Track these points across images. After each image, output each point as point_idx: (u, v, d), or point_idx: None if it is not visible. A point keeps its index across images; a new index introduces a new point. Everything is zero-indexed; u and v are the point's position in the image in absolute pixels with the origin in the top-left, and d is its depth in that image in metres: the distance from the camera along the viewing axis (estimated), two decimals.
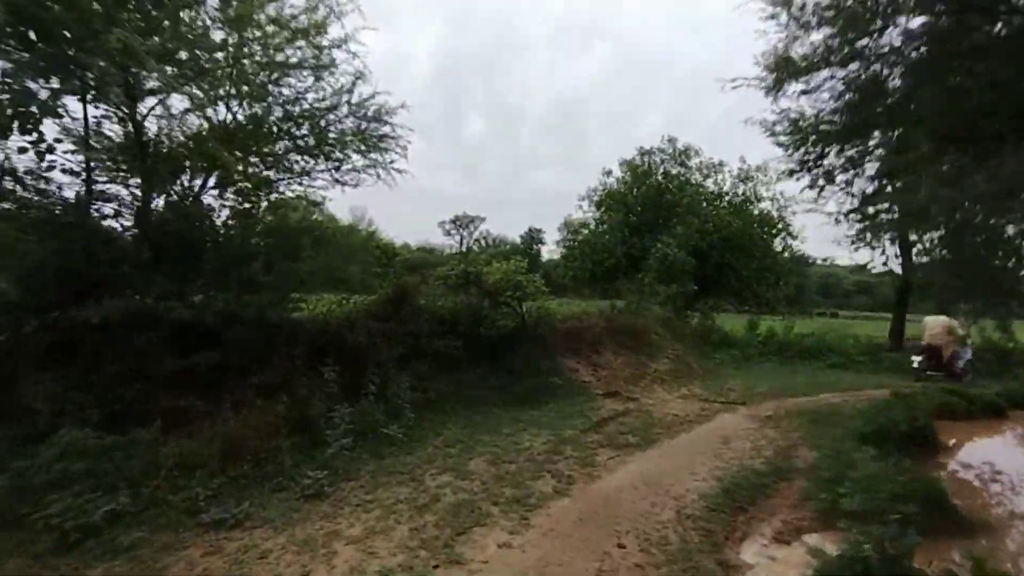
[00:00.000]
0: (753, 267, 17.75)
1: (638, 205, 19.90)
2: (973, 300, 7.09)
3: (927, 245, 9.29)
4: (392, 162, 7.71)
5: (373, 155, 7.41)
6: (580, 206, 22.01)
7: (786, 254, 19.65)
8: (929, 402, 8.70)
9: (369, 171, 7.54)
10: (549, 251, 47.43)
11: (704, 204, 19.07)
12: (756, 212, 19.40)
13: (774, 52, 7.75)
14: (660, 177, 20.18)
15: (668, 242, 16.67)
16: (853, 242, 18.17)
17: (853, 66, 7.26)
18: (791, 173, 9.38)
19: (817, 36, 8.70)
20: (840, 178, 11.84)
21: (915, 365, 11.80)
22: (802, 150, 8.83)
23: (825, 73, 7.45)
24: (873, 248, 17.42)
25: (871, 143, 8.24)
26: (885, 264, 16.83)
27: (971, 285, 6.57)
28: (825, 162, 8.96)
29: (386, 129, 7.39)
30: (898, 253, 16.47)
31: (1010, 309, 6.90)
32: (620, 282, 19.08)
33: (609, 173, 21.76)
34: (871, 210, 15.73)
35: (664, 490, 4.76)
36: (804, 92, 8.06)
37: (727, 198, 20.05)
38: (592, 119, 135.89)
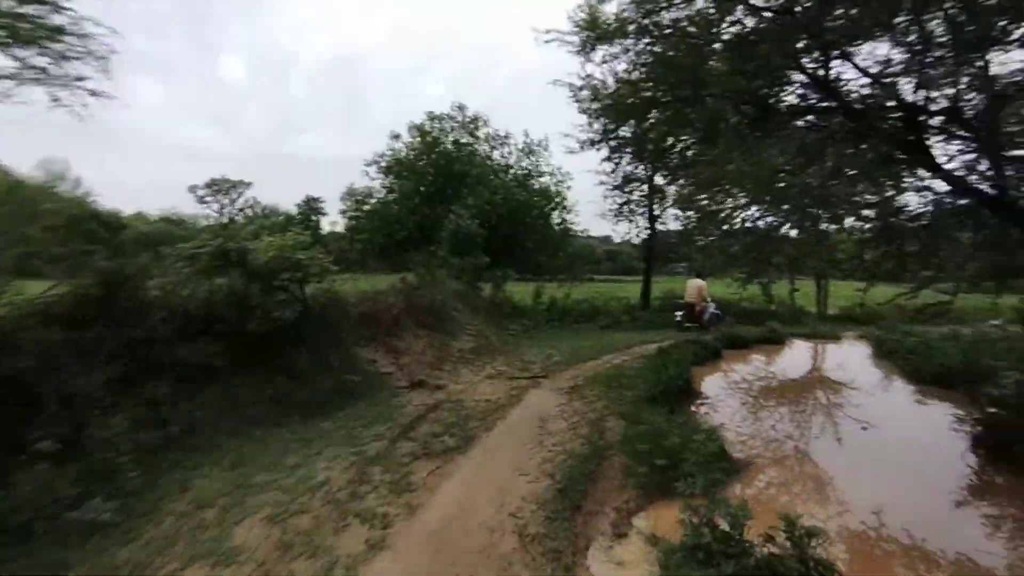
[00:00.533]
0: (536, 238, 18.74)
1: (429, 174, 18.98)
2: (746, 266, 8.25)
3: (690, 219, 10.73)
4: (82, 80, 5.03)
5: (37, 56, 4.64)
6: (366, 172, 19.98)
7: (561, 226, 21.33)
8: (684, 355, 10.21)
9: (27, 78, 4.72)
10: (331, 222, 43.00)
11: (492, 176, 19.21)
12: (537, 186, 20.45)
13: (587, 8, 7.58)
14: (450, 145, 19.56)
15: (461, 213, 16.26)
16: (615, 216, 21.03)
17: (646, 40, 7.58)
18: (592, 143, 9.54)
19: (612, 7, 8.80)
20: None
21: (677, 319, 13.96)
22: (602, 120, 9.05)
23: (627, 43, 7.52)
24: (629, 221, 20.31)
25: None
26: (638, 235, 19.70)
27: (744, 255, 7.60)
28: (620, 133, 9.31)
29: (62, 20, 4.69)
30: (647, 226, 19.41)
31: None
32: (412, 255, 18.05)
33: (397, 137, 20.20)
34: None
35: (498, 505, 4.07)
36: (604, 61, 8.13)
37: (512, 171, 20.64)
38: (373, 79, 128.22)
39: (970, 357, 8.89)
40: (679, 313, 13.95)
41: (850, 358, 11.86)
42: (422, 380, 7.85)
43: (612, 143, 11.43)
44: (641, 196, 19.53)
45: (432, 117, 19.47)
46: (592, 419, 6.24)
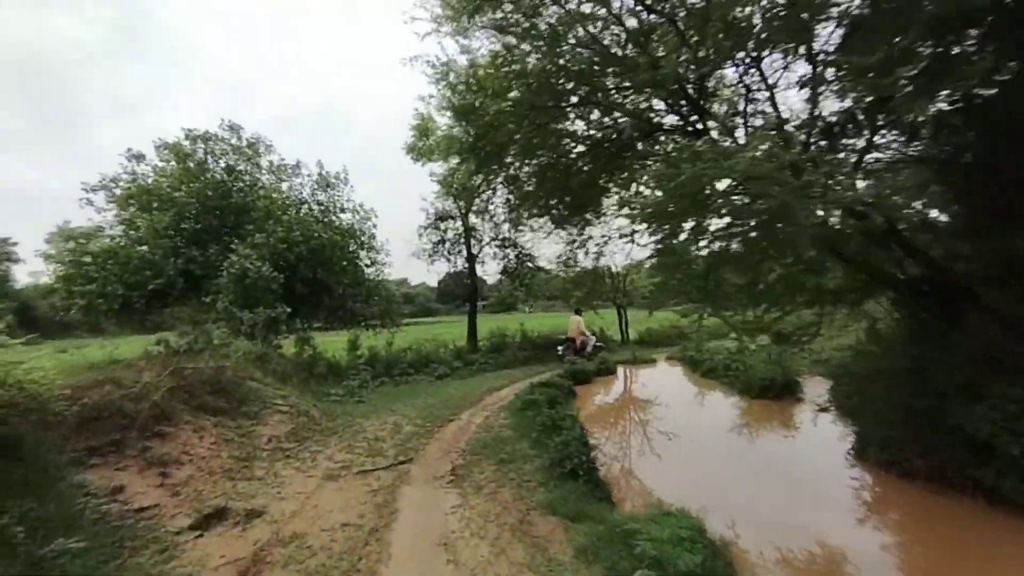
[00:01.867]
0: (345, 282, 15.86)
1: (193, 206, 14.46)
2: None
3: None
4: None
5: None
6: (88, 201, 14.20)
7: (372, 267, 18.78)
8: (548, 398, 9.07)
9: None
10: (31, 273, 30.74)
11: (284, 211, 15.72)
12: (339, 223, 17.61)
13: None
14: (224, 172, 15.40)
15: (247, 253, 12.53)
16: (430, 255, 19.47)
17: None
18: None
19: None
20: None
21: (560, 352, 14.72)
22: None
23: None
24: (448, 260, 18.99)
25: None
26: (461, 273, 18.45)
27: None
28: None
29: None
30: (466, 264, 18.36)
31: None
32: (177, 309, 13.34)
33: (139, 159, 15.02)
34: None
35: None
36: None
37: (307, 206, 17.40)
38: (89, 96, 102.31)
39: (779, 370, 9.90)
40: (561, 347, 14.84)
41: (681, 380, 12.46)
42: (221, 508, 4.72)
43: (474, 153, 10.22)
44: (456, 235, 18.54)
45: (193, 137, 15.09)
46: (514, 524, 4.31)
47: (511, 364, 15.63)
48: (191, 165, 14.86)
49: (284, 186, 17.61)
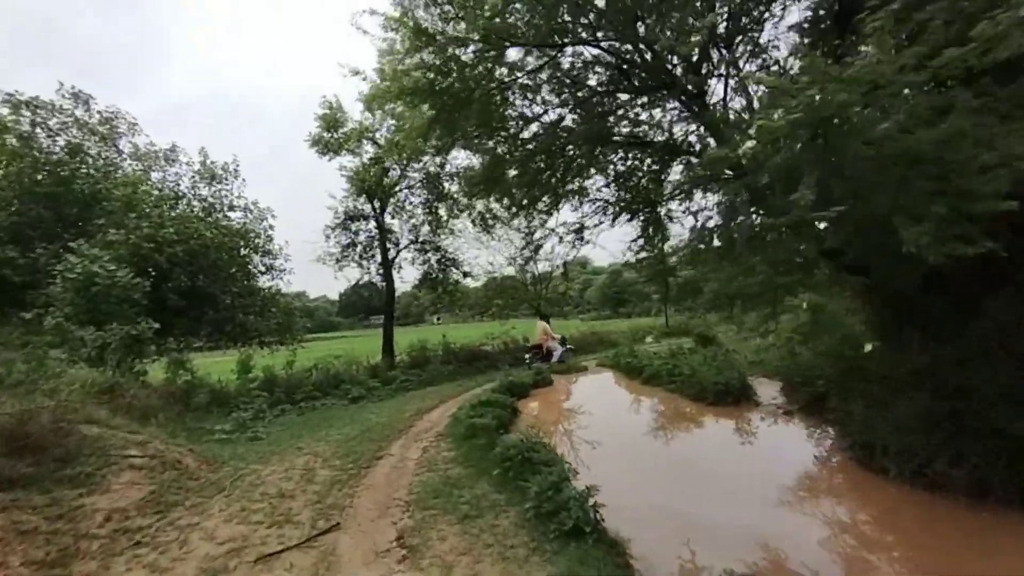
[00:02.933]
0: (235, 291, 13.09)
1: (12, 192, 10.98)
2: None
3: None
4: None
5: None
6: None
7: (267, 275, 15.93)
8: (499, 418, 7.67)
9: None
10: None
11: (153, 204, 12.61)
12: (227, 223, 14.68)
13: None
14: (65, 152, 11.97)
15: (95, 255, 9.55)
16: (339, 260, 17.04)
17: None
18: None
19: None
20: None
21: (527, 360, 14.64)
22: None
23: None
24: (360, 266, 16.72)
25: None
26: (371, 281, 16.31)
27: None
28: None
29: None
30: (379, 270, 16.30)
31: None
32: None
33: None
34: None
35: None
36: None
37: (186, 201, 14.30)
38: None
39: (733, 374, 9.38)
40: (528, 355, 14.87)
41: (624, 389, 11.60)
42: None
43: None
44: (368, 237, 16.44)
45: (15, 102, 11.52)
46: None
47: (436, 380, 13.86)
48: (11, 140, 11.31)
49: (155, 176, 14.38)
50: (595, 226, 9.08)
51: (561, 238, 9.51)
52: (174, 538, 4.21)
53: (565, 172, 8.58)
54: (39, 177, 11.40)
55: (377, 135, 16.03)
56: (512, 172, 8.61)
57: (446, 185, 16.41)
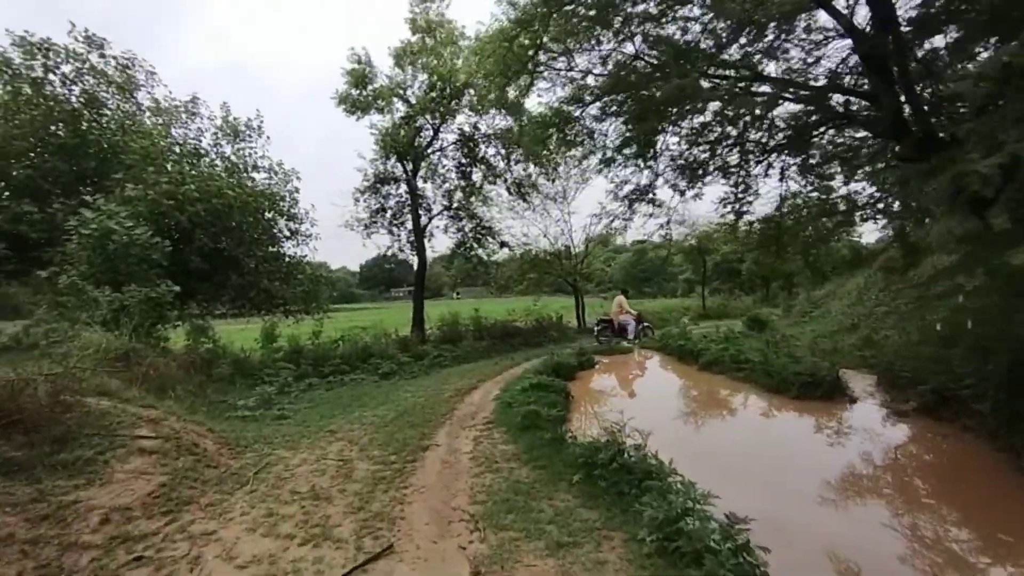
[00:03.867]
0: (259, 256, 12.23)
1: (26, 143, 10.13)
2: None
3: None
4: None
5: None
6: None
7: (292, 241, 15.01)
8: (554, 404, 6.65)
9: None
10: None
11: (175, 160, 11.71)
12: (252, 184, 13.74)
13: None
14: (80, 101, 11.06)
15: (111, 210, 8.70)
16: (367, 226, 16.06)
17: None
18: None
19: None
20: None
21: (595, 333, 14.42)
22: None
23: None
24: (391, 233, 15.71)
25: None
26: (401, 250, 15.32)
27: None
28: None
29: None
30: (411, 238, 15.26)
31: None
32: (7, 288, 9.36)
33: None
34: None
35: None
36: None
37: (208, 158, 13.38)
38: None
39: (814, 363, 8.13)
40: (597, 328, 14.53)
41: (683, 376, 10.40)
42: None
43: None
44: (398, 202, 15.36)
45: (27, 46, 10.56)
46: None
47: (470, 357, 12.93)
48: (23, 87, 10.41)
49: (175, 133, 13.44)
50: (678, 186, 7.73)
51: (632, 201, 8.25)
52: (184, 552, 3.29)
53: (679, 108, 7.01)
54: (54, 128, 10.54)
55: (408, 92, 14.81)
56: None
57: (482, 147, 15.16)
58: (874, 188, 8.52)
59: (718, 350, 10.36)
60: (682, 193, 7.87)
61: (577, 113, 7.32)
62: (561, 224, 18.50)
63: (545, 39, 6.57)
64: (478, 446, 5.62)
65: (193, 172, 11.35)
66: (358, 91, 14.64)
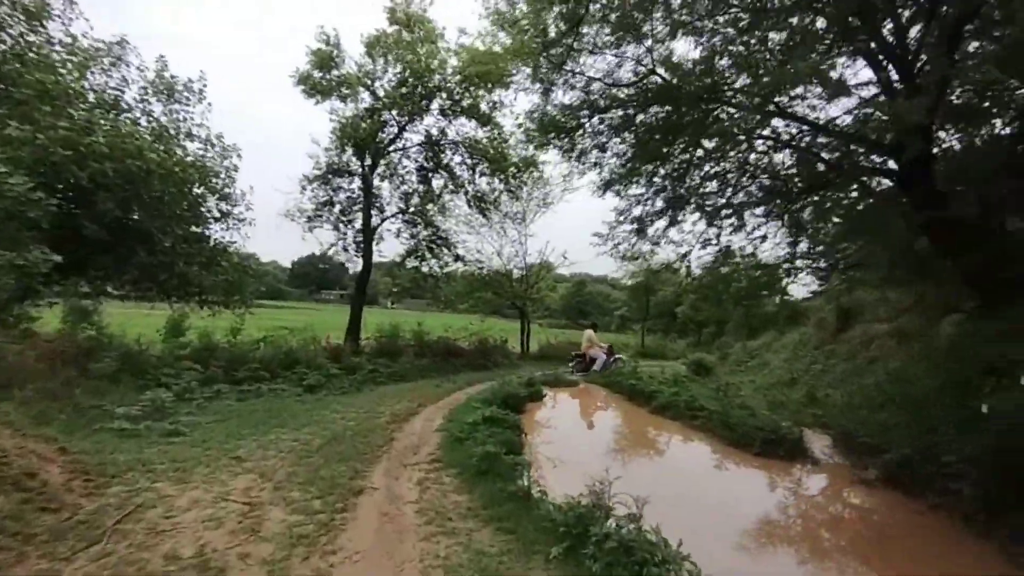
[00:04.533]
0: (180, 235, 10.39)
1: None
2: None
3: None
4: None
5: None
6: None
7: (221, 224, 13.10)
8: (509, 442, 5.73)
9: None
10: None
11: (83, 103, 9.76)
12: (182, 153, 11.84)
13: None
14: None
15: None
16: (311, 219, 14.47)
17: None
18: None
19: None
20: None
21: (570, 365, 14.30)
22: None
23: None
24: (337, 229, 14.20)
25: None
26: (345, 248, 13.86)
27: None
28: None
29: None
30: (358, 237, 13.90)
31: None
32: None
33: None
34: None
35: None
36: None
37: (129, 115, 11.39)
38: None
39: (773, 420, 7.84)
40: (572, 362, 14.38)
41: (635, 418, 9.76)
42: None
43: None
44: (349, 198, 14.01)
45: None
46: None
47: (408, 375, 11.69)
48: None
49: (94, 80, 11.36)
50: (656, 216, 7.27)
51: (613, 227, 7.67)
52: None
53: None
54: None
55: (377, 84, 13.69)
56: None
57: (448, 153, 14.28)
58: (809, 245, 8.48)
59: (671, 394, 9.95)
60: (672, 223, 7.45)
61: (585, 122, 6.69)
62: (516, 245, 17.88)
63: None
64: (425, 493, 4.57)
65: (107, 125, 9.48)
66: (321, 73, 13.34)
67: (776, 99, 5.47)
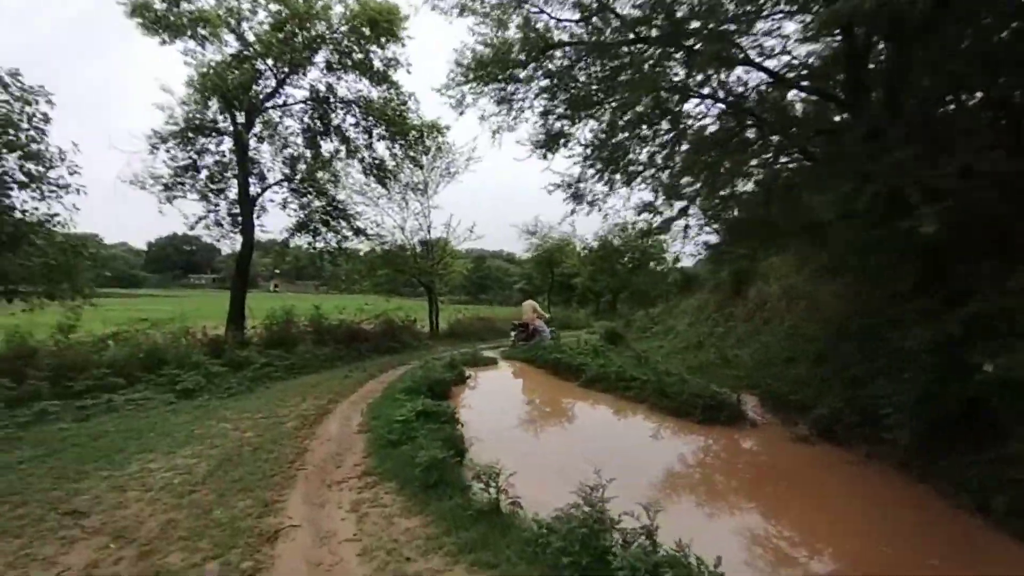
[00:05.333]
0: None
1: None
2: None
3: None
4: None
5: None
6: None
7: (32, 192, 9.92)
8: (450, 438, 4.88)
9: None
10: None
11: None
12: None
13: None
14: None
15: None
16: (168, 187, 11.65)
17: None
18: None
19: None
20: None
21: (512, 338, 13.90)
22: None
23: None
24: (207, 199, 11.58)
25: None
26: (219, 223, 11.42)
27: None
28: None
29: None
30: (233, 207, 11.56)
31: None
32: None
33: None
34: None
35: None
36: None
37: None
38: None
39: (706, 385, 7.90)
40: (513, 333, 14.05)
41: (569, 394, 9.30)
42: None
43: None
44: (219, 162, 11.56)
45: None
46: None
47: (309, 366, 10.05)
48: None
49: None
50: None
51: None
52: None
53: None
54: None
55: (245, 25, 11.24)
56: None
57: (339, 113, 12.39)
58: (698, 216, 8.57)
59: (598, 366, 9.73)
60: (610, 187, 6.95)
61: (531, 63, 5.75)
62: (420, 218, 16.50)
63: None
64: (363, 522, 3.53)
65: None
66: (167, 5, 10.54)
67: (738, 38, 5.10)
